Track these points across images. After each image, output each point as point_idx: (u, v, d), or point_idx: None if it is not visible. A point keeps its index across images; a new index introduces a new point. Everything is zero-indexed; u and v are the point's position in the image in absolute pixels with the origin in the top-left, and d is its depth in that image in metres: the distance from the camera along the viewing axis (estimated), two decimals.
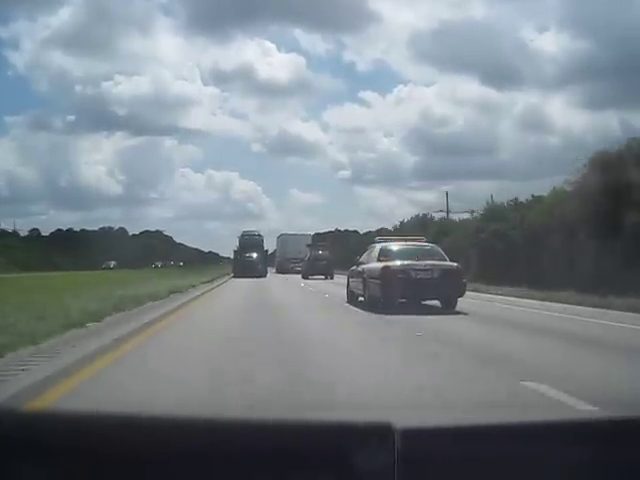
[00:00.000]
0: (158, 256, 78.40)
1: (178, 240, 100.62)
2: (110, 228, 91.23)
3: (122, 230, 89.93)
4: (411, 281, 11.71)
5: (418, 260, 12.28)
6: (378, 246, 13.40)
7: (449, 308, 12.06)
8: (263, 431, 1.15)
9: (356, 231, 58.48)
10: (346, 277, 16.07)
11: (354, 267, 14.80)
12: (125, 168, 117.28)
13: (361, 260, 14.44)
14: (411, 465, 1.07)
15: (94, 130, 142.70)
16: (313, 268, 35.98)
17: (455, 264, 12.40)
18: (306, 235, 49.33)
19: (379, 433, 1.08)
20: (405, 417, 1.41)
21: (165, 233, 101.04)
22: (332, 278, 35.05)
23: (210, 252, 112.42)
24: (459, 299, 12.23)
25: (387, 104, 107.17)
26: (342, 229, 68.50)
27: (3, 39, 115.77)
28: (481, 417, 1.58)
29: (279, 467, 1.09)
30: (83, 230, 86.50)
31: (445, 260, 12.73)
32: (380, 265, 12.14)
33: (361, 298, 13.62)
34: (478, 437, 1.18)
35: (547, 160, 69.86)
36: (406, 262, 12.06)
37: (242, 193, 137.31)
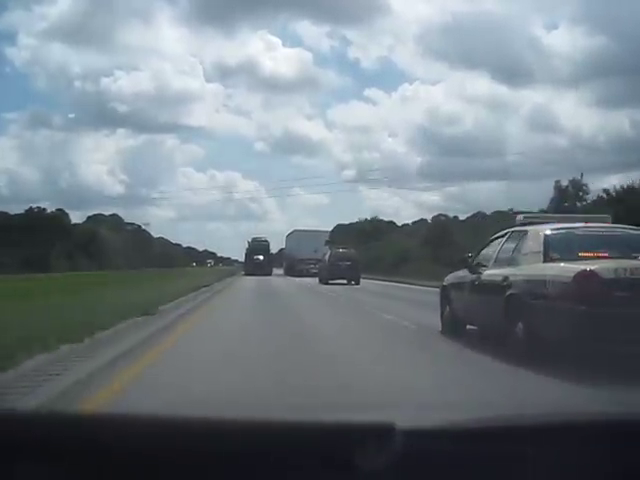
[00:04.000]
0: (106, 253, 63.97)
1: (157, 234, 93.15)
2: (42, 211, 67.30)
3: (60, 213, 69.17)
4: None
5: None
6: (537, 232, 7.49)
7: None
8: (266, 431, 1.22)
9: (392, 222, 50.51)
10: (439, 291, 10.36)
11: (462, 274, 9.39)
12: (126, 167, 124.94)
13: (480, 260, 8.86)
14: (414, 465, 1.15)
15: (94, 128, 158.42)
16: (334, 271, 31.70)
17: None
18: (323, 232, 47.78)
19: (382, 433, 1.15)
20: (408, 417, 1.49)
21: (129, 220, 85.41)
22: (358, 283, 30.81)
23: (205, 251, 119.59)
24: None
25: (394, 102, 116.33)
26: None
27: None
28: (484, 417, 1.58)
29: (281, 467, 1.17)
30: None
31: None
32: (566, 270, 6.40)
33: (471, 326, 8.87)
34: (481, 437, 1.26)
35: (557, 161, 69.28)
36: (622, 264, 6.18)
37: (245, 193, 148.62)
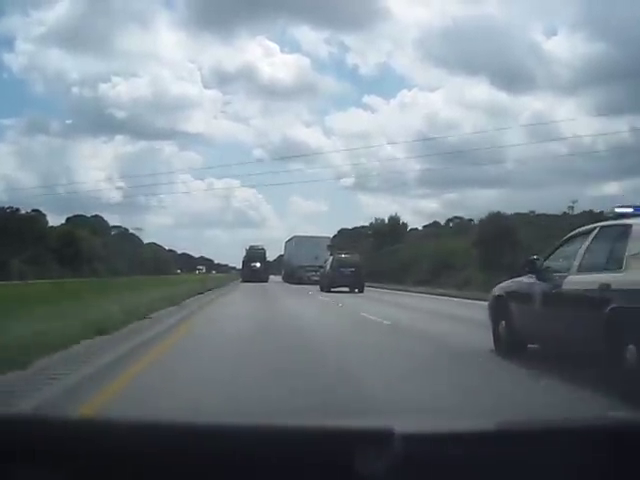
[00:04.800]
0: (84, 258, 57.56)
1: (153, 241, 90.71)
2: (15, 211, 58.65)
3: (37, 215, 61.76)
4: None
5: None
6: None
7: None
8: (268, 436, 1.24)
9: (404, 224, 48.22)
10: (489, 302, 8.70)
11: (525, 281, 7.69)
12: (124, 173, 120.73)
13: (553, 264, 7.26)
14: (413, 470, 1.16)
15: (92, 134, 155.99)
16: (336, 278, 30.08)
17: None
18: (324, 237, 48.75)
19: (382, 438, 1.16)
20: (408, 422, 1.49)
21: (116, 224, 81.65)
22: (362, 291, 29.28)
23: (201, 257, 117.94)
24: None
25: (392, 108, 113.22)
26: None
27: None
28: (483, 422, 1.61)
29: (282, 473, 1.18)
30: None
31: None
32: None
33: (534, 345, 7.39)
34: (480, 442, 1.26)
35: (557, 167, 69.32)
36: None
37: (243, 200, 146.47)
